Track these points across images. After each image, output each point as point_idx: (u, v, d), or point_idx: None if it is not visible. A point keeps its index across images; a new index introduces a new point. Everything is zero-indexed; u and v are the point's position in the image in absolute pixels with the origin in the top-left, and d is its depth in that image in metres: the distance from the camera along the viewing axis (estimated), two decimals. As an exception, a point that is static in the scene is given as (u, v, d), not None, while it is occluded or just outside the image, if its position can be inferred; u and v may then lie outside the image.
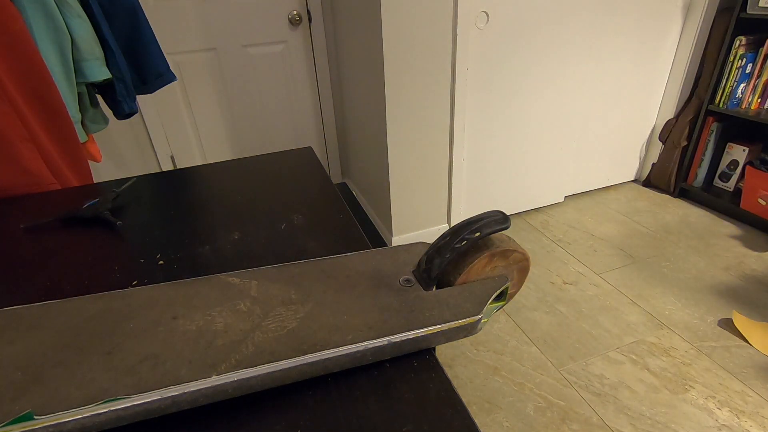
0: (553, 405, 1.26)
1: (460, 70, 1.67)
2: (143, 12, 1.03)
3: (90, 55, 0.91)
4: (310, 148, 0.83)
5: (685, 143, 2.16)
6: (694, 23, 2.02)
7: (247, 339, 0.35)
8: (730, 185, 2.10)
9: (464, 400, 0.33)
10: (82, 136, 0.95)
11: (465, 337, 0.38)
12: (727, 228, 2.01)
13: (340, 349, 0.34)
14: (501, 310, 1.44)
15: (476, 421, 0.31)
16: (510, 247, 0.41)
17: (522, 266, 0.44)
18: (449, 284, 0.41)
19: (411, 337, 0.36)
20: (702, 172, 2.16)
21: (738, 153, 2.04)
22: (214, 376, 0.31)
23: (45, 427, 0.28)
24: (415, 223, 1.97)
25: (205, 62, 2.01)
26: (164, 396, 0.30)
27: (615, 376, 1.33)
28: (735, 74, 1.93)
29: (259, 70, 2.11)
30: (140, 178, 0.74)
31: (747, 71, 1.93)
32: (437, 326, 0.36)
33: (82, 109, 0.98)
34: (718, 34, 1.98)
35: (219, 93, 2.10)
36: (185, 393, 0.31)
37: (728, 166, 2.10)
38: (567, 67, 1.87)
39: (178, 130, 2.11)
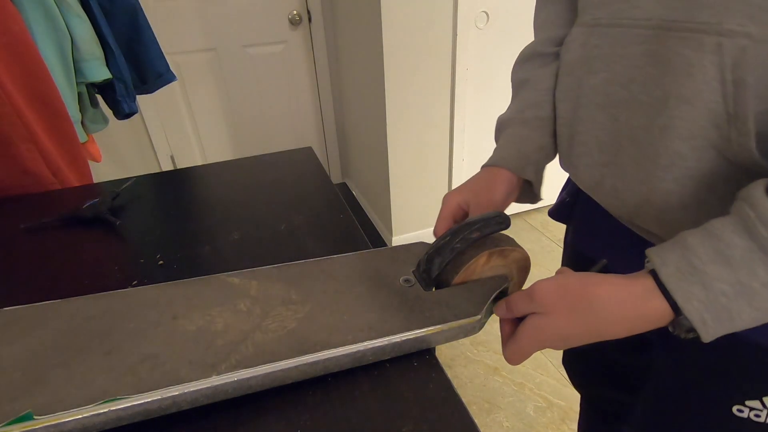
0: (553, 405, 1.26)
1: (460, 70, 1.66)
2: (143, 12, 1.03)
3: (90, 55, 0.91)
4: (310, 148, 0.83)
5: (685, 143, 2.16)
6: (694, 23, 2.02)
7: (247, 339, 0.35)
8: (730, 185, 2.10)
9: (464, 400, 0.33)
10: (82, 136, 0.95)
11: (465, 337, 0.38)
12: (727, 228, 2.01)
13: (340, 349, 0.34)
14: (501, 310, 1.43)
15: (476, 421, 0.31)
16: (508, 246, 0.41)
17: (522, 266, 0.43)
18: (449, 284, 0.41)
19: (411, 337, 0.36)
20: (702, 172, 2.16)
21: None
22: (214, 376, 0.31)
23: (45, 427, 0.28)
24: (415, 223, 1.97)
25: (205, 62, 2.01)
26: (164, 396, 0.30)
27: (615, 376, 1.33)
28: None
29: (259, 70, 2.11)
30: (140, 178, 0.74)
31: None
32: (437, 326, 0.36)
33: (82, 109, 0.98)
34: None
35: (219, 93, 2.10)
36: (185, 393, 0.31)
37: (728, 166, 2.10)
38: (567, 67, 1.87)
39: (178, 130, 2.11)
